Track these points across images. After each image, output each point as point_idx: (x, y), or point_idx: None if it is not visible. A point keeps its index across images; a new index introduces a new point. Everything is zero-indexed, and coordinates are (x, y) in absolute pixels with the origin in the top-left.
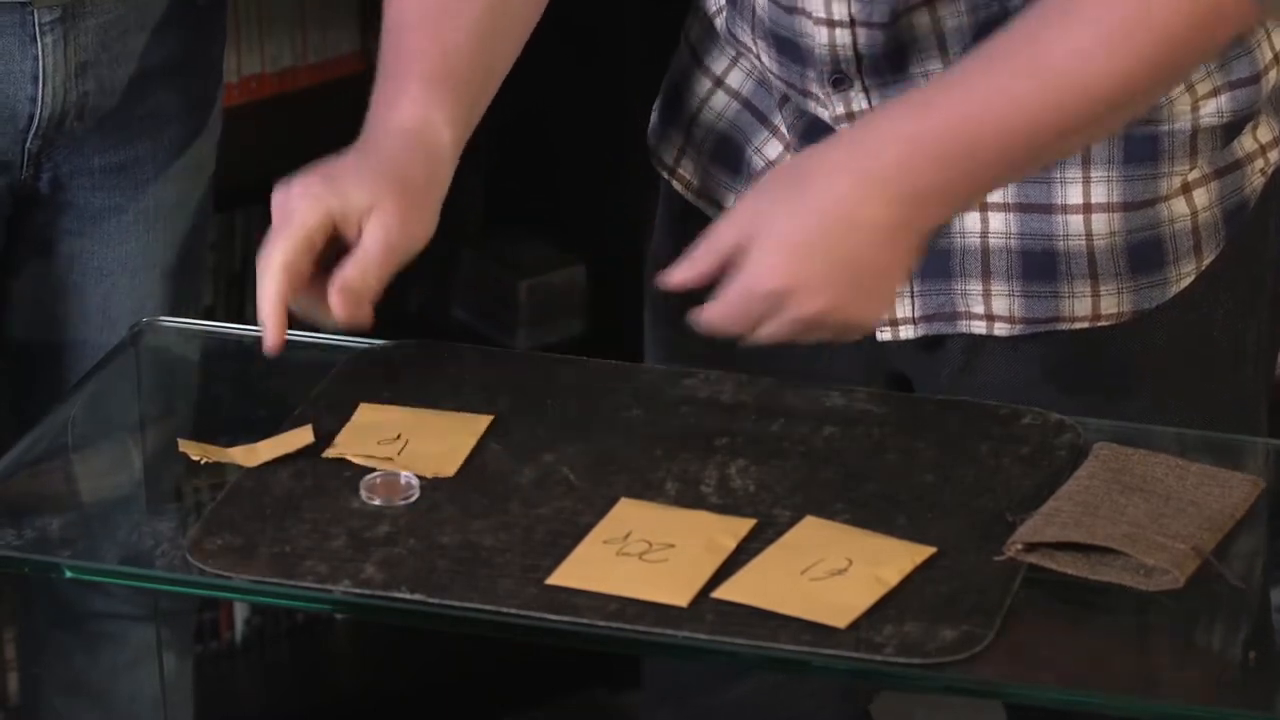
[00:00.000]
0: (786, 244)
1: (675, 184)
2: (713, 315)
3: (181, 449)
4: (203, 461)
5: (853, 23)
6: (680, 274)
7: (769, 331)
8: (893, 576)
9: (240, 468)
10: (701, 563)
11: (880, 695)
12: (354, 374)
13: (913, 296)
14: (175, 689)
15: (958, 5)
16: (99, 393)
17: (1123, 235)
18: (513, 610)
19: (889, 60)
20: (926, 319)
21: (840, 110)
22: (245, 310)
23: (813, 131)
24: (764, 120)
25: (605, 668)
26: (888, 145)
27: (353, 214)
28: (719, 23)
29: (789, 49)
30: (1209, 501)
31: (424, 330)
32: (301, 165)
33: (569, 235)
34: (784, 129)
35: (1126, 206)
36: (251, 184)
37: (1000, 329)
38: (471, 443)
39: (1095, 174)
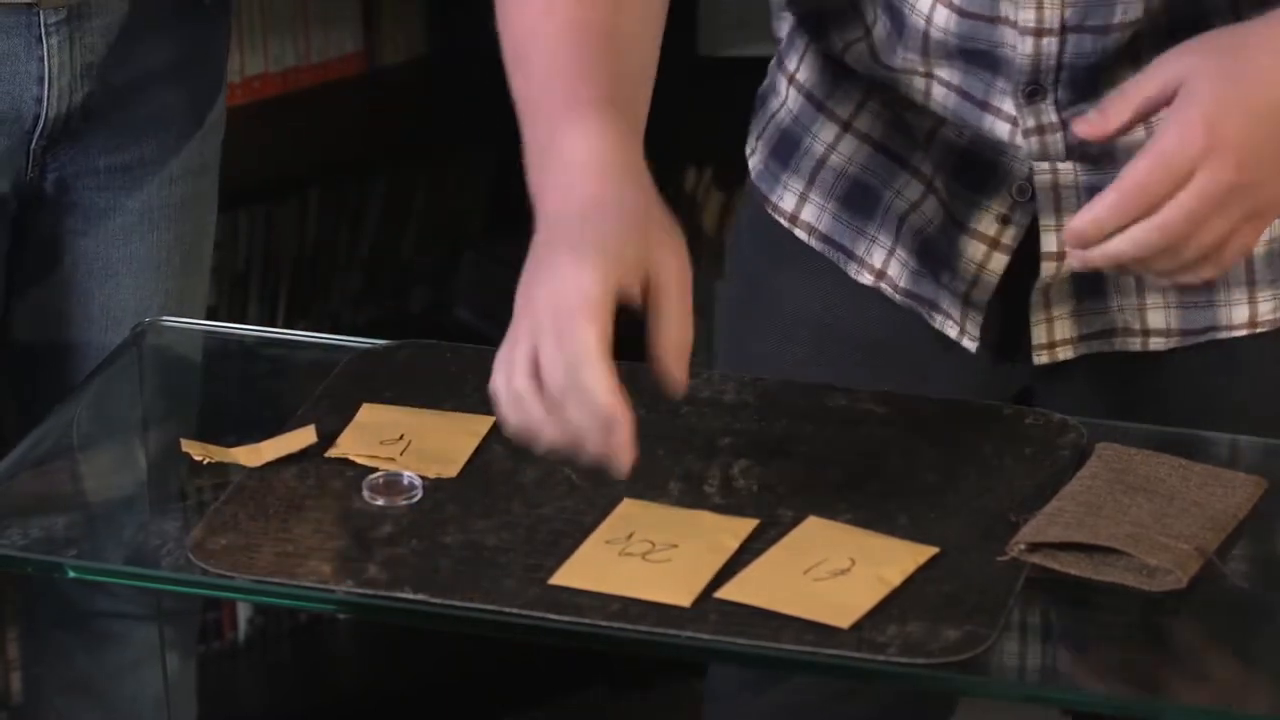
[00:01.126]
0: (1224, 101)
1: (798, 231)
2: (1128, 178)
3: (184, 449)
4: (205, 461)
5: (1063, 29)
6: (1093, 125)
7: (1184, 203)
8: (895, 576)
9: (243, 467)
10: (704, 563)
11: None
12: (357, 374)
13: (1070, 317)
14: (178, 689)
15: (1160, 8)
16: (102, 393)
17: None
18: (515, 610)
19: (1086, 72)
20: (1085, 339)
21: (1030, 124)
22: (248, 310)
23: (964, 166)
24: (903, 163)
25: (608, 668)
26: None
27: (632, 271)
28: (852, 56)
29: (979, 60)
30: (1212, 502)
31: (427, 330)
32: (305, 165)
33: None
34: (925, 168)
35: None
36: (255, 184)
37: (1156, 343)
38: (474, 443)
39: None
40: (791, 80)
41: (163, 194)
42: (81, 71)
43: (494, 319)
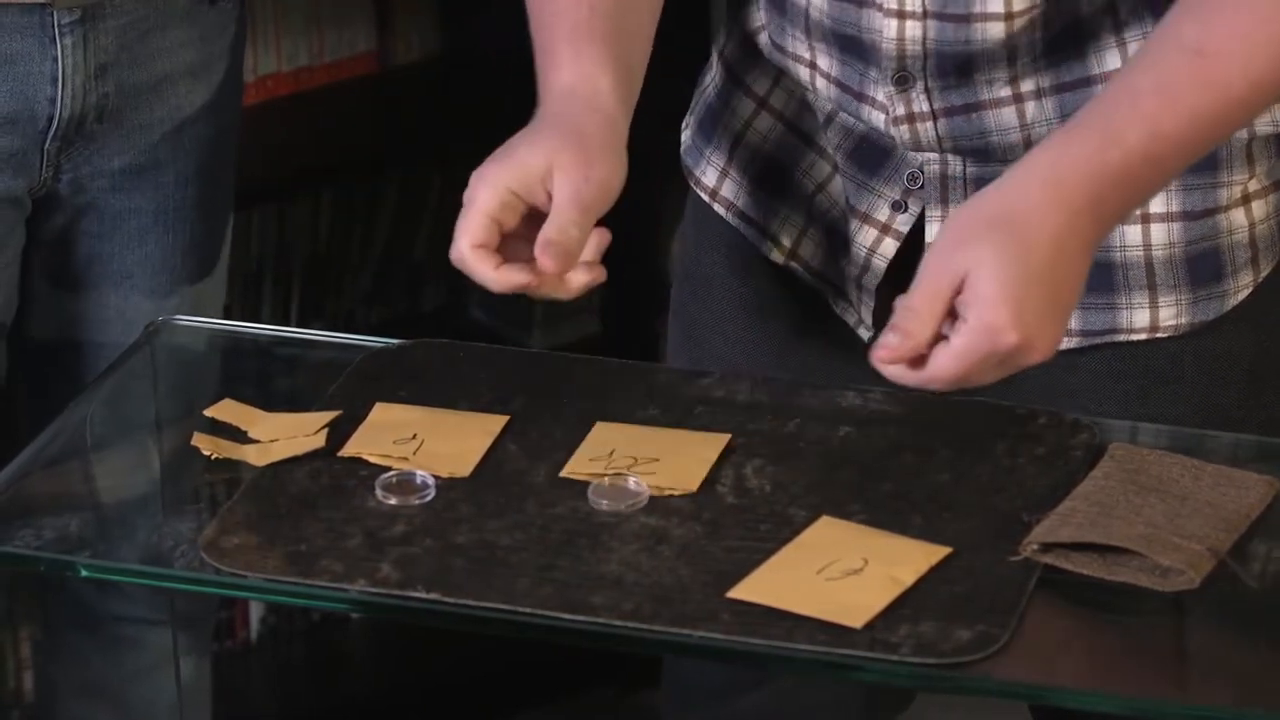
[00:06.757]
0: (1014, 294)
1: (717, 207)
2: (940, 373)
3: (194, 443)
4: (214, 456)
5: (925, 14)
6: (894, 350)
7: (985, 381)
8: (908, 576)
9: (255, 467)
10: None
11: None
12: (369, 373)
13: None
14: (193, 693)
15: (1033, 18)
16: (114, 392)
17: (1181, 246)
18: (528, 610)
19: (955, 61)
20: None
21: (900, 111)
22: (261, 309)
23: (859, 152)
24: (809, 142)
25: (620, 667)
26: (1084, 183)
27: (534, 181)
28: (763, 39)
29: (852, 47)
30: (1225, 502)
31: (440, 330)
32: (317, 164)
33: None
34: (830, 150)
35: (1186, 216)
36: (268, 183)
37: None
38: (487, 442)
39: None
40: (721, 55)
41: (178, 196)
42: (95, 72)
43: (507, 318)
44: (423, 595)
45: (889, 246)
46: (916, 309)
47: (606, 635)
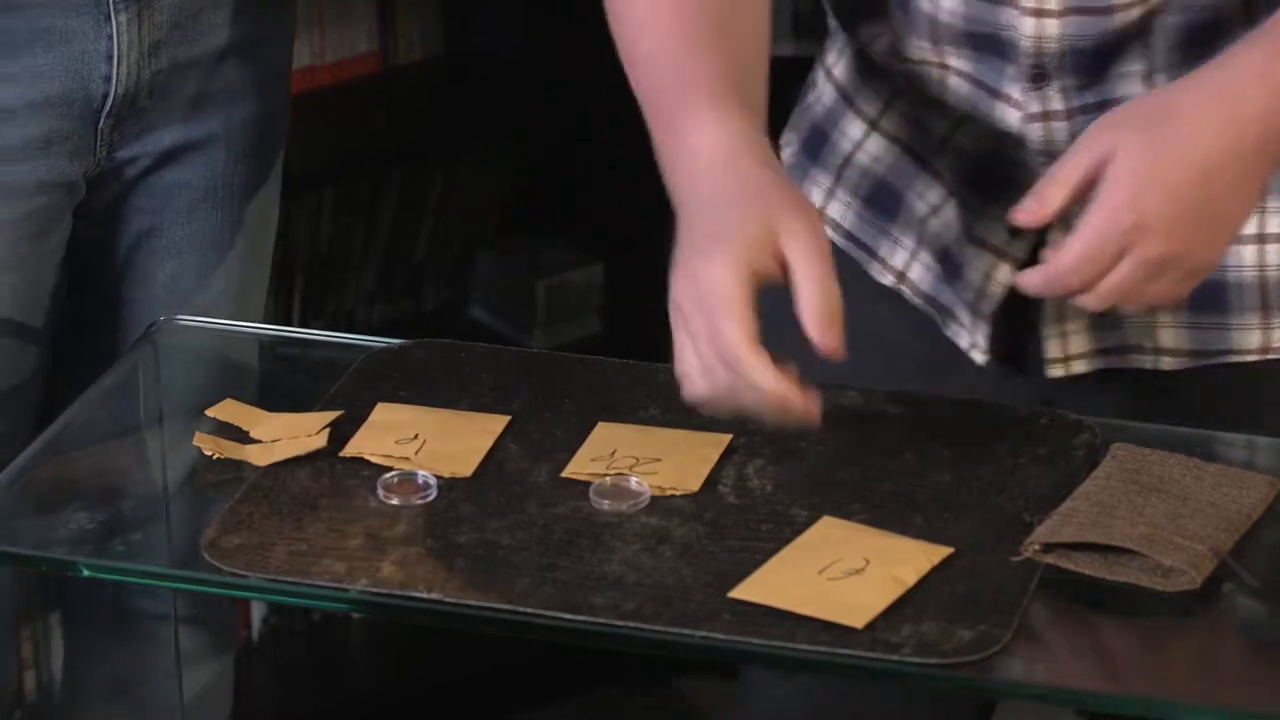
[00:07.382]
0: (1145, 178)
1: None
2: (1063, 259)
3: (196, 442)
4: (216, 456)
5: (1063, 11)
6: (1029, 213)
7: (1117, 280)
8: (910, 576)
9: (257, 466)
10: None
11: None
12: (371, 373)
13: (1083, 331)
14: (214, 692)
15: (1168, 11)
16: (117, 391)
17: None
18: (529, 609)
19: (1091, 57)
20: (1101, 353)
21: (1036, 109)
22: (263, 308)
23: (976, 175)
24: (924, 165)
25: (623, 667)
26: (1254, 89)
27: (761, 253)
28: (879, 49)
29: (986, 45)
30: (1226, 502)
31: (441, 330)
32: (319, 164)
33: (587, 235)
34: (945, 173)
35: None
36: None
37: (1167, 362)
38: (489, 442)
39: (1271, 204)
40: (829, 75)
41: (228, 173)
42: (149, 50)
43: (509, 318)
44: (424, 595)
45: (1005, 273)
46: (1057, 177)
47: (608, 635)
